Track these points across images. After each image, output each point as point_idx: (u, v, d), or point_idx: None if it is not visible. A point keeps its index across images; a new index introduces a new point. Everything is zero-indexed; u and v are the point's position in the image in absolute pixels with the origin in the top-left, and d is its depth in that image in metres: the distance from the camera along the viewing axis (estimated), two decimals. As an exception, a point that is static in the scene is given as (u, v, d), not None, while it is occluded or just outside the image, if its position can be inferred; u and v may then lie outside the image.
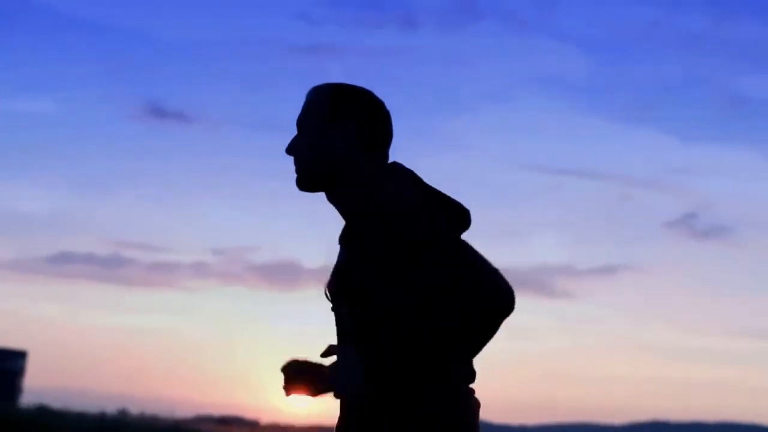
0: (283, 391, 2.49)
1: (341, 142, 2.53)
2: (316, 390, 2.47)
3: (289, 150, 2.59)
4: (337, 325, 2.52)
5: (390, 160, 2.59)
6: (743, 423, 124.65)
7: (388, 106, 2.61)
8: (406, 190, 2.43)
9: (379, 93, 2.61)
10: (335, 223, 2.63)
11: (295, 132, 2.61)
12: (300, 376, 2.46)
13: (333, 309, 2.53)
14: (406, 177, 2.49)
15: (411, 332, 2.33)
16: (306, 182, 2.56)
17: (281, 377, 2.48)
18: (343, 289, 2.47)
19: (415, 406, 2.35)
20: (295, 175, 2.58)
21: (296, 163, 2.58)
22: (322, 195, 2.59)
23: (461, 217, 2.50)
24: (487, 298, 2.32)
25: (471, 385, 2.44)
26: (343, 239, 2.53)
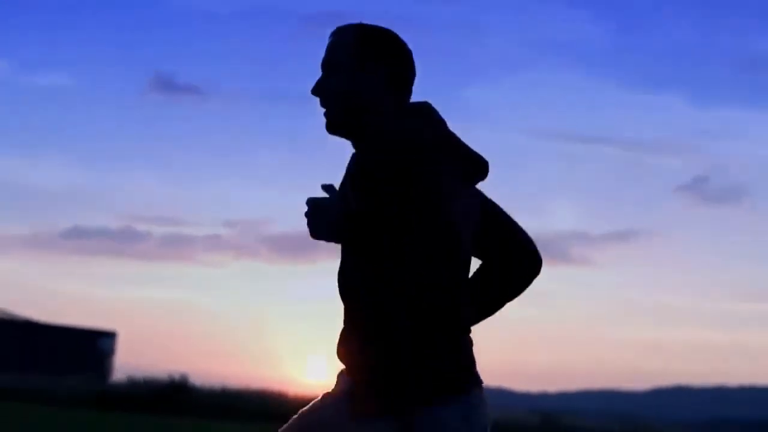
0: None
1: (371, 83, 2.50)
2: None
3: (316, 91, 2.55)
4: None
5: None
6: (765, 386, 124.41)
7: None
8: (418, 131, 2.41)
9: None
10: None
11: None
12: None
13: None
14: (426, 117, 2.47)
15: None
16: (336, 124, 2.52)
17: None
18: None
19: (425, 352, 2.37)
20: (324, 118, 2.54)
21: (324, 104, 2.54)
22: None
23: (477, 166, 2.48)
24: (526, 261, 2.49)
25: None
26: (353, 174, 2.48)
